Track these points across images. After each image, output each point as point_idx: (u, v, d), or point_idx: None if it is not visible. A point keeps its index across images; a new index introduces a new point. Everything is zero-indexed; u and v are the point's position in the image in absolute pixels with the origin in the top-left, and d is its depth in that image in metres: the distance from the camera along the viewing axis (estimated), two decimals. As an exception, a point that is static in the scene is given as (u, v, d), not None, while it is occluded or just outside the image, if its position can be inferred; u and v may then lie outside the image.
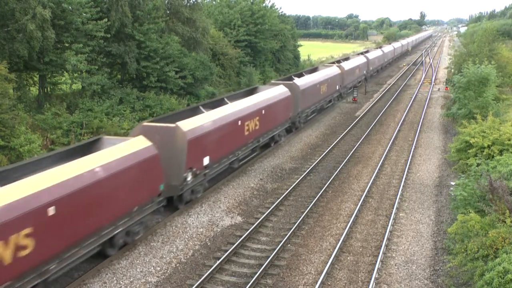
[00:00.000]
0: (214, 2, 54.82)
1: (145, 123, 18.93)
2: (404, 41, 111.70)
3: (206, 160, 19.73)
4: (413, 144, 30.04)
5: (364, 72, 56.13)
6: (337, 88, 42.56)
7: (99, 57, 30.89)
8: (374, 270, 14.81)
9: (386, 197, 21.42)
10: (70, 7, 27.40)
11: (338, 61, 50.42)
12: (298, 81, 32.48)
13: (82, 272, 14.62)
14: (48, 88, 29.33)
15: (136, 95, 31.67)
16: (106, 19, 29.32)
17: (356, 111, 41.94)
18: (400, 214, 19.58)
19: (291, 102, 30.03)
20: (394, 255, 16.17)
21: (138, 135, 17.06)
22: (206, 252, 16.34)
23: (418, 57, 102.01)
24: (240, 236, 17.14)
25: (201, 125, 19.48)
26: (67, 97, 29.51)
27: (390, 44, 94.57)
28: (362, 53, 63.91)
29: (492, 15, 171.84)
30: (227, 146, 21.71)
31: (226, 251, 16.04)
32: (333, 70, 42.01)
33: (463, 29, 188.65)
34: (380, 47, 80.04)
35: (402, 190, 22.07)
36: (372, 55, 63.07)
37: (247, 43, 50.05)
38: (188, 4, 38.58)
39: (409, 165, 25.81)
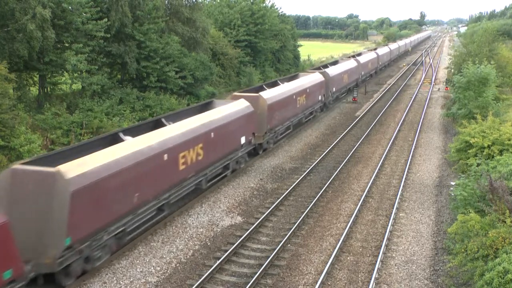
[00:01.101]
0: (214, 2, 54.87)
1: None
2: (393, 46, 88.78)
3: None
4: (413, 144, 30.03)
5: (320, 97, 37.57)
6: (244, 141, 23.84)
7: (99, 57, 30.92)
8: (374, 270, 14.80)
9: (386, 197, 21.42)
10: (70, 7, 27.44)
11: (274, 83, 32.89)
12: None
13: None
14: (48, 88, 29.35)
15: (136, 95, 31.70)
16: (106, 19, 29.35)
17: (356, 111, 41.92)
18: (400, 214, 19.57)
19: None
20: (394, 255, 16.17)
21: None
22: (206, 252, 16.34)
23: (418, 57, 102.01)
24: (240, 236, 17.14)
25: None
26: (67, 97, 29.53)
27: (373, 50, 72.68)
28: (322, 67, 44.26)
29: (492, 15, 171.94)
30: None
31: (226, 251, 16.03)
32: (238, 106, 23.84)
33: (463, 29, 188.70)
34: (356, 56, 59.62)
35: (402, 190, 22.06)
36: (335, 70, 43.39)
37: (247, 43, 50.09)
38: (188, 4, 38.62)
39: (409, 165, 25.80)
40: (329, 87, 39.87)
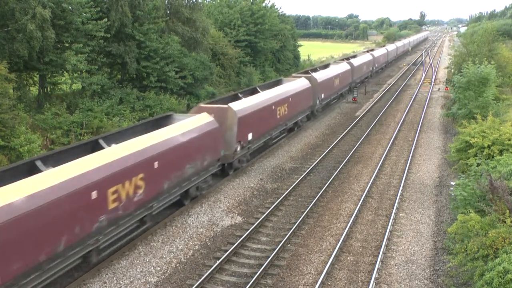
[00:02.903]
0: (214, 2, 54.84)
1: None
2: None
3: None
4: (413, 144, 30.03)
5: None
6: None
7: (99, 57, 30.88)
8: (374, 270, 14.80)
9: (386, 197, 21.42)
10: (70, 7, 27.41)
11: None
12: None
13: (82, 272, 14.62)
14: (48, 88, 29.32)
15: (136, 95, 31.66)
16: (106, 19, 29.31)
17: (356, 111, 41.93)
18: (400, 214, 19.57)
19: None
20: (394, 255, 16.17)
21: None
22: (206, 252, 16.34)
23: (418, 57, 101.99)
24: (240, 236, 17.14)
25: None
26: (67, 97, 29.51)
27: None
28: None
29: (492, 15, 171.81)
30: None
31: (226, 251, 16.04)
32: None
33: (463, 29, 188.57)
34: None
35: (402, 190, 22.06)
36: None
37: (247, 43, 50.04)
38: (188, 4, 38.58)
39: (409, 165, 25.80)
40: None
